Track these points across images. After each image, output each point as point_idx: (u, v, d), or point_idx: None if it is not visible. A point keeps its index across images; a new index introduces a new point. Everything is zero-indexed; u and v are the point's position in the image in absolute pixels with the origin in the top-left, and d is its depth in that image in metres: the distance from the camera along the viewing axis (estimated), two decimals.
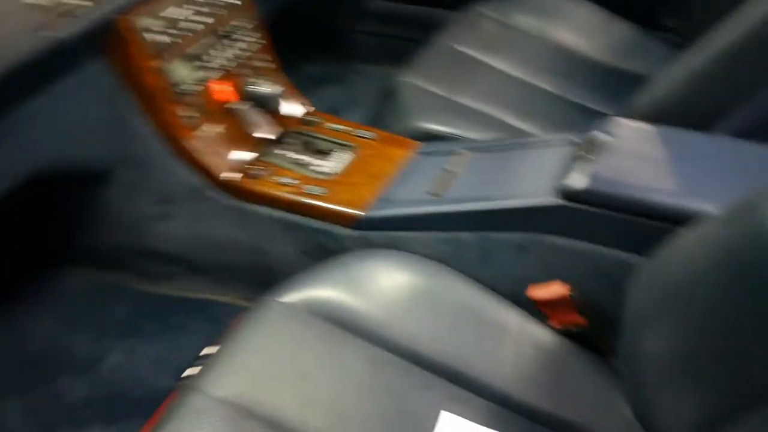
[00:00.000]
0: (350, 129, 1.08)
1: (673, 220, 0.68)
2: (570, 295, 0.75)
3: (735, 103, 0.87)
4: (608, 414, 0.70)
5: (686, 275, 0.58)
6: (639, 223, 0.73)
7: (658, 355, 0.63)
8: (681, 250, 0.61)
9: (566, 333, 0.78)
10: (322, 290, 0.80)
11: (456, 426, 0.67)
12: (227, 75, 1.03)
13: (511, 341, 0.76)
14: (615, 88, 1.22)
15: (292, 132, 1.06)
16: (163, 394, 0.73)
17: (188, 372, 0.90)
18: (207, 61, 1.00)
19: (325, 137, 1.06)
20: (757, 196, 0.53)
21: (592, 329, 0.77)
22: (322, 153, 1.03)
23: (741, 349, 0.54)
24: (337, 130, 1.07)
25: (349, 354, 0.73)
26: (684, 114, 0.89)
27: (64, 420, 0.96)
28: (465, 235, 0.85)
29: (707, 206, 0.68)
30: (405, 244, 0.89)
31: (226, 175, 0.98)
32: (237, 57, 1.06)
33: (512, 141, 1.00)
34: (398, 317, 0.77)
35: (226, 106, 1.01)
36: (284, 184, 0.97)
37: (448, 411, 0.68)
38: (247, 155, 1.01)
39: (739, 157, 0.79)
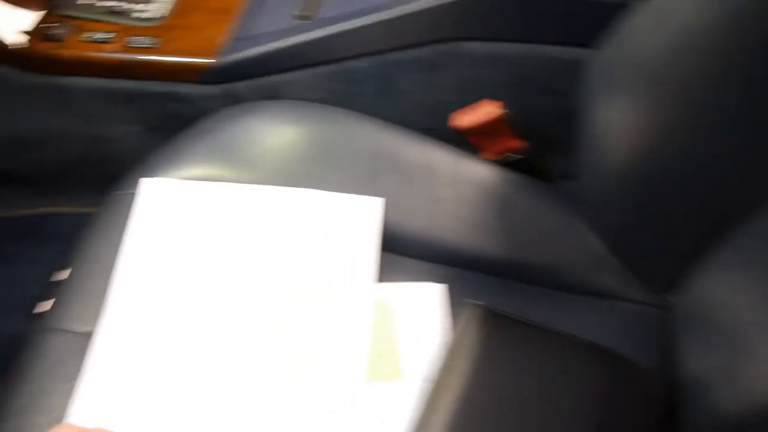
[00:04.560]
0: None
1: None
2: (506, 114, 0.58)
3: None
4: (576, 248, 0.57)
5: (661, 50, 0.44)
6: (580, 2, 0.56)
7: (628, 165, 0.49)
8: (644, 24, 0.46)
9: (504, 163, 0.62)
10: (191, 168, 0.60)
11: None
12: None
13: (443, 185, 0.60)
14: None
15: None
16: (11, 342, 0.54)
17: (40, 308, 0.75)
18: None
19: None
20: None
21: (534, 152, 0.62)
22: None
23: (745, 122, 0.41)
24: None
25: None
26: None
27: None
28: (357, 63, 0.65)
29: None
30: (282, 91, 0.68)
31: (15, 41, 0.70)
32: None
33: None
34: (297, 182, 0.58)
35: None
36: (99, 42, 0.71)
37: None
38: (33, 14, 0.73)
39: None
